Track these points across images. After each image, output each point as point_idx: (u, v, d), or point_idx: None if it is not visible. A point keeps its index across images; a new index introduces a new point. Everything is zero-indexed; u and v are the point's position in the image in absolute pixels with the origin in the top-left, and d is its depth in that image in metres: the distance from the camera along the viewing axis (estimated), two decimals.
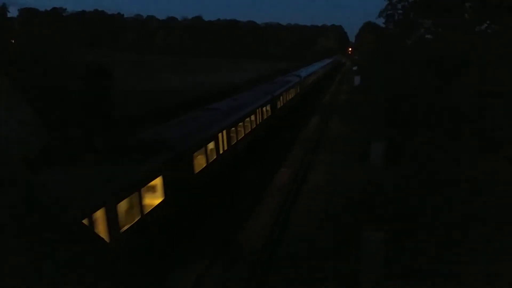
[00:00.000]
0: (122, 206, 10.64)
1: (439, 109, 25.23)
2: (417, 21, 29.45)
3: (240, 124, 21.14)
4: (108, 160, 11.69)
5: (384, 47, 45.43)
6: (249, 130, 22.95)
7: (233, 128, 19.92)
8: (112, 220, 9.92)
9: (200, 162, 15.75)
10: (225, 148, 18.55)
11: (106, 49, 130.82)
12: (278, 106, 31.29)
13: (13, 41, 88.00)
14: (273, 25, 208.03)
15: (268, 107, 28.18)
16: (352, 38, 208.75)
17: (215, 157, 17.19)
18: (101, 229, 9.66)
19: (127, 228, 10.74)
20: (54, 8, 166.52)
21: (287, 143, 28.22)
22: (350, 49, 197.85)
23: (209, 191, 16.23)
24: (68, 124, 26.39)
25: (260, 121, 25.71)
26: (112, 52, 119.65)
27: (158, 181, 12.42)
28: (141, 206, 11.41)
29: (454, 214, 15.12)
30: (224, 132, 18.45)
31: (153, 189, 12.40)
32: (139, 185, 11.37)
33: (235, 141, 20.25)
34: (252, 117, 23.83)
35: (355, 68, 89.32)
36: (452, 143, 22.48)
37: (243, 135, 21.64)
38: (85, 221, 8.98)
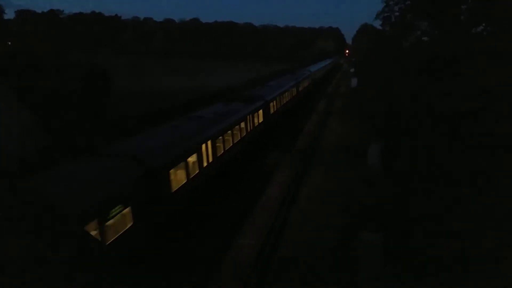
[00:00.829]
0: (253, 117, 25.24)
1: (436, 109, 25.32)
2: (414, 23, 29.48)
3: (282, 95, 35.65)
4: (242, 101, 25.55)
5: (381, 49, 45.55)
6: (288, 99, 38.39)
7: (281, 96, 34.69)
8: (250, 122, 24.47)
9: (272, 108, 30.61)
10: (279, 106, 33.61)
11: (104, 51, 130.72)
12: (300, 89, 47.27)
13: (9, 43, 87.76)
14: (270, 27, 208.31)
15: (295, 88, 43.12)
16: (349, 40, 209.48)
17: (275, 109, 31.91)
18: (243, 127, 22.94)
19: (253, 128, 25.06)
20: (51, 10, 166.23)
21: (308, 112, 43.16)
22: (347, 51, 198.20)
23: (276, 124, 31.97)
24: (67, 126, 26.39)
25: (293, 95, 41.49)
26: (109, 54, 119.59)
27: (261, 112, 27.35)
28: (259, 120, 26.71)
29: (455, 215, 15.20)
30: (278, 97, 33.49)
31: (258, 115, 26.83)
32: (256, 111, 26.06)
33: (281, 104, 34.85)
34: (288, 92, 38.63)
35: (352, 70, 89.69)
36: (450, 144, 22.58)
37: (285, 101, 36.58)
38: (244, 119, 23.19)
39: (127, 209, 11.34)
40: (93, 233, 10.01)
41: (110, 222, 10.64)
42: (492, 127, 21.37)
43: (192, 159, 15.91)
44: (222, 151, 19.37)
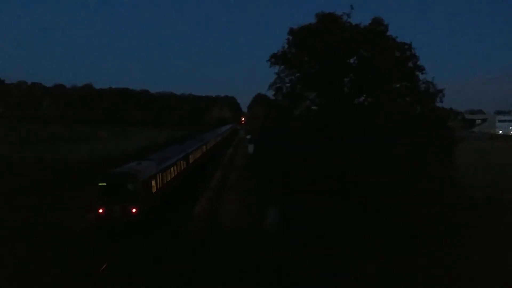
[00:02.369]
0: (204, 147, 58.56)
1: (326, 174, 26.48)
2: (303, 94, 31.19)
3: (210, 140, 67.52)
4: (196, 140, 57.72)
5: (273, 118, 47.55)
6: (220, 139, 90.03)
7: (221, 137, 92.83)
8: (206, 147, 60.54)
9: (209, 144, 65.00)
10: (224, 137, 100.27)
11: None
12: (219, 139, 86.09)
13: None
14: (166, 94, 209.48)
15: (219, 137, 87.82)
16: (244, 109, 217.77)
17: (219, 140, 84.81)
18: (204, 149, 59.46)
19: (206, 150, 61.16)
20: None
21: (229, 143, 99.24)
22: (243, 118, 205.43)
23: (212, 153, 66.79)
24: None
25: (219, 139, 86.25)
26: None
27: (205, 146, 60.15)
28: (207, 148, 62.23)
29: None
30: (219, 137, 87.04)
31: (206, 146, 61.10)
32: (203, 144, 57.86)
33: (221, 138, 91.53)
34: (216, 139, 77.78)
35: (248, 137, 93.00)
36: (340, 206, 23.48)
37: (220, 139, 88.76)
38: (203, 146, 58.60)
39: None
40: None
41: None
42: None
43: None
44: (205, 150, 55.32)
